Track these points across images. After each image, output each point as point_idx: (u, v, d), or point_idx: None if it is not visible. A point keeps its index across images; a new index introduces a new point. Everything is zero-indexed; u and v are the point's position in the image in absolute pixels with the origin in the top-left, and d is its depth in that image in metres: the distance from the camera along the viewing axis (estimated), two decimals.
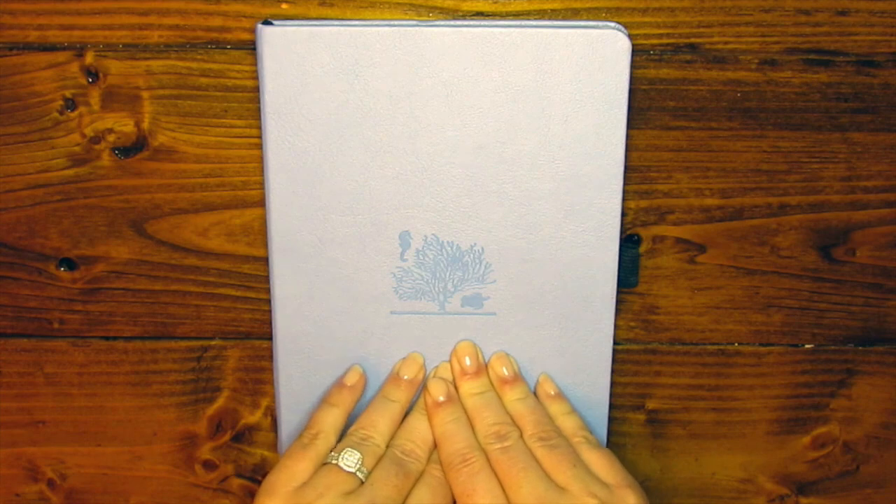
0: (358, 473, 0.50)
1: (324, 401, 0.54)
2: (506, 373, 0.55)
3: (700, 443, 0.59)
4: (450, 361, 0.55)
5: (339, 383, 0.55)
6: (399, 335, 0.55)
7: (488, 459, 0.52)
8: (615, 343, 0.55)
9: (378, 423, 0.53)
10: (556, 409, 0.55)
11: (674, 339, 0.57)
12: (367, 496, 0.49)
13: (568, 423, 0.54)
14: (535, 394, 0.55)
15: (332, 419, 0.53)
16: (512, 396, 0.54)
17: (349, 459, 0.50)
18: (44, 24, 0.51)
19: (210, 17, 0.51)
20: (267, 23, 0.50)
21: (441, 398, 0.54)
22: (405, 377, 0.55)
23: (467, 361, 0.55)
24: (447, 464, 0.52)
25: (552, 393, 0.55)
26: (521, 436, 0.52)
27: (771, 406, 0.58)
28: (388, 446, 0.53)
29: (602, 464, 0.51)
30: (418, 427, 0.54)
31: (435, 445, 0.53)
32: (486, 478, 0.51)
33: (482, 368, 0.55)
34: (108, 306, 0.56)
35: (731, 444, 0.59)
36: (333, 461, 0.51)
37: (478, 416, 0.53)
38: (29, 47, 0.52)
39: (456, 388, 0.55)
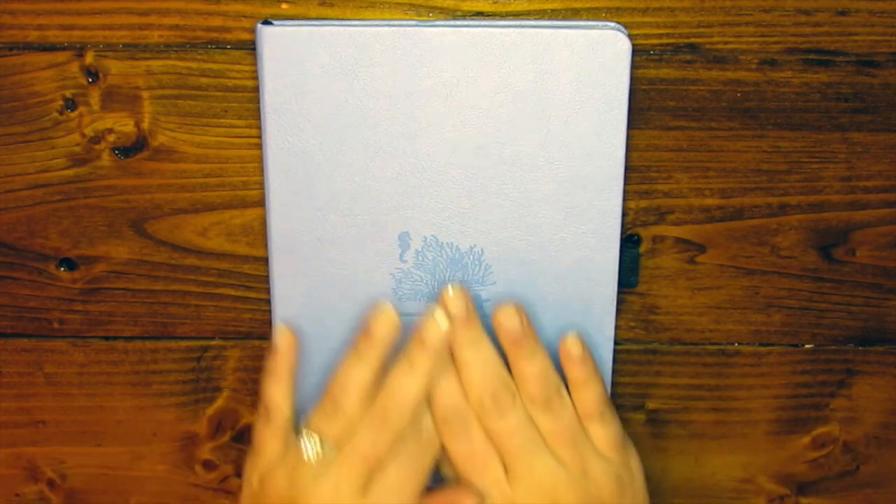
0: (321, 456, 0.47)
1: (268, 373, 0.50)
2: (512, 327, 0.47)
3: (700, 443, 0.59)
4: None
5: (271, 352, 0.50)
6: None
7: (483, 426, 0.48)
8: (615, 343, 0.55)
9: (349, 387, 0.48)
10: (574, 375, 0.49)
11: (674, 339, 0.57)
12: (333, 478, 0.47)
13: (584, 397, 0.49)
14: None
15: (278, 394, 0.50)
16: (519, 356, 0.48)
17: (309, 450, 0.48)
18: (44, 24, 0.51)
19: (210, 17, 0.51)
20: (267, 23, 0.50)
21: (432, 344, 0.47)
22: (378, 335, 0.48)
23: (455, 303, 0.47)
24: (441, 419, 0.48)
25: (574, 354, 0.48)
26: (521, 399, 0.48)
27: (771, 406, 0.58)
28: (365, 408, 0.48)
29: (606, 439, 0.49)
30: (401, 384, 0.48)
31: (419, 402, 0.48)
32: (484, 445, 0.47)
33: (474, 315, 0.48)
34: (108, 306, 0.56)
35: (731, 444, 0.59)
36: (299, 444, 0.48)
37: (468, 375, 0.47)
38: (29, 47, 0.52)
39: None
